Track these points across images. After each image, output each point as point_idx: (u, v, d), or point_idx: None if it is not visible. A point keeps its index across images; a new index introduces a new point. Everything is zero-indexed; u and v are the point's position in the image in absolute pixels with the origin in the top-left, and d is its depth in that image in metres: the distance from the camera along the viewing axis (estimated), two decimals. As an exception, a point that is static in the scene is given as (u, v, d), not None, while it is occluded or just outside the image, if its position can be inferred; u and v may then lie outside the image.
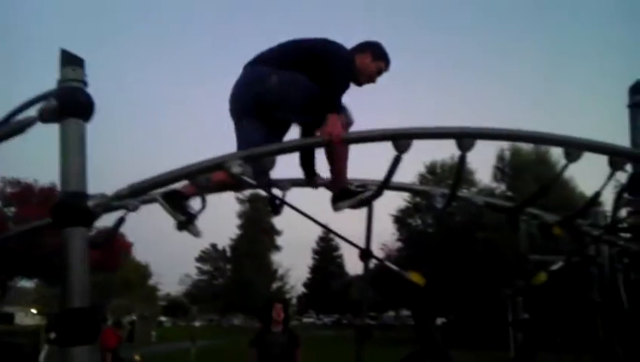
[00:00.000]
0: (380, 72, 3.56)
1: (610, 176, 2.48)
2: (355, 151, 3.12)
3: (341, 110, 3.08)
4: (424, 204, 35.53)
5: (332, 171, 3.30)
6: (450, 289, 30.42)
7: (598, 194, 2.73)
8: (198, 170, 2.56)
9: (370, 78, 3.56)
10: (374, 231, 3.46)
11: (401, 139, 2.39)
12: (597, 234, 4.00)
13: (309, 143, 3.08)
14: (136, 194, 2.76)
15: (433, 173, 36.56)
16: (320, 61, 3.31)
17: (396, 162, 2.48)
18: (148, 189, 2.79)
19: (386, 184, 2.65)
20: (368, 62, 3.50)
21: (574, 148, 2.37)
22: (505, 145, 37.95)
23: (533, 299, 2.65)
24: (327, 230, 2.80)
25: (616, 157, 2.44)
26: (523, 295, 4.17)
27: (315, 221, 2.78)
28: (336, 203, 3.28)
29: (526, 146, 35.84)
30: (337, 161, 3.22)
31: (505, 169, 37.10)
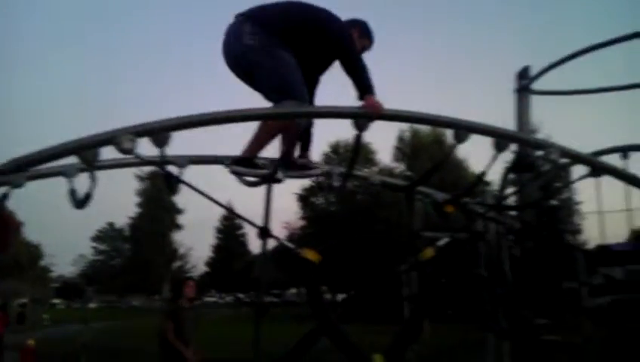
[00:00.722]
0: (363, 50, 3.54)
1: (495, 158, 2.62)
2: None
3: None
4: (327, 183, 36.11)
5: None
6: (349, 266, 31.27)
7: (482, 174, 2.90)
8: (88, 145, 2.44)
9: None
10: (278, 209, 3.48)
11: (302, 118, 2.40)
12: (481, 212, 4.23)
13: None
14: (21, 169, 2.59)
15: (336, 152, 37.15)
16: (321, 35, 3.27)
17: (293, 140, 2.49)
18: (33, 164, 2.63)
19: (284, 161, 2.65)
20: (355, 38, 3.48)
21: (462, 130, 2.49)
22: (405, 126, 39.22)
23: (426, 274, 2.78)
24: (224, 208, 2.77)
25: (500, 139, 2.59)
26: (416, 270, 4.34)
27: (212, 199, 2.75)
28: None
29: (424, 128, 37.22)
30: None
31: (404, 149, 38.39)
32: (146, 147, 2.47)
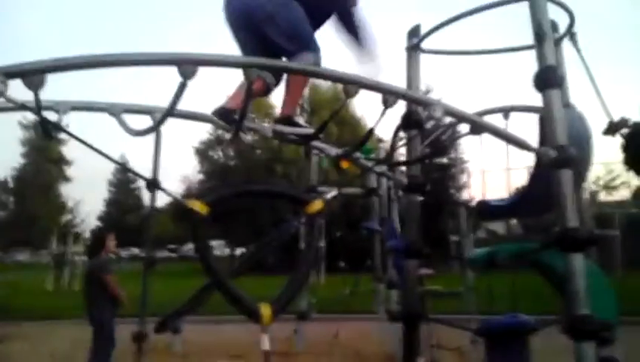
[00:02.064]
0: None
1: (383, 113, 2.68)
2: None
3: None
4: (226, 136, 35.64)
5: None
6: (246, 219, 31.35)
7: (371, 131, 2.97)
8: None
9: None
10: (175, 163, 3.39)
11: (187, 65, 2.31)
12: (369, 166, 4.34)
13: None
14: None
15: (236, 106, 36.65)
16: None
17: (181, 89, 2.40)
18: None
19: (170, 112, 2.56)
20: None
21: (354, 85, 2.52)
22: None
23: (313, 226, 2.84)
24: (108, 158, 2.65)
25: (388, 95, 2.64)
26: (306, 223, 4.41)
27: (95, 149, 2.62)
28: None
29: (324, 84, 37.44)
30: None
31: (304, 105, 38.50)
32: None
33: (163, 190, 3.08)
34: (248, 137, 34.48)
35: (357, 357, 8.04)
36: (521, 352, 3.74)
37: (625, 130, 4.64)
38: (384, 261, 8.90)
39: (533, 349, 3.81)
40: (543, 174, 3.26)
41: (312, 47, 3.22)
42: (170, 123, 3.36)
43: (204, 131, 38.35)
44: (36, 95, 2.24)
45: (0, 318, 12.52)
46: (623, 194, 32.88)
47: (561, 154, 2.88)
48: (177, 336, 7.97)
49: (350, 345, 8.79)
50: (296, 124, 3.48)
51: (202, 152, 39.19)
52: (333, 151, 4.11)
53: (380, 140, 8.79)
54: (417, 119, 3.63)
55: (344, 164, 5.46)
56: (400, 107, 4.09)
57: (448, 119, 5.34)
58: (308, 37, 3.26)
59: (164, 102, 3.35)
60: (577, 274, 2.73)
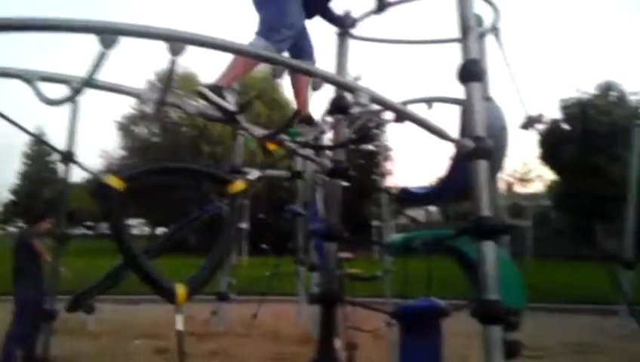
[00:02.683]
0: None
1: (310, 97, 2.68)
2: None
3: None
4: (150, 112, 34.60)
5: None
6: (168, 198, 30.70)
7: (297, 112, 2.96)
8: None
9: None
10: (97, 138, 3.25)
11: (107, 34, 2.21)
12: (295, 149, 4.35)
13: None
14: None
15: (163, 81, 35.61)
16: None
17: (100, 58, 2.29)
18: None
19: (88, 82, 2.45)
20: None
21: (279, 65, 2.50)
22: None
23: (234, 206, 2.80)
24: (21, 129, 2.51)
25: (316, 79, 2.65)
26: (232, 204, 4.37)
27: (5, 117, 2.46)
28: None
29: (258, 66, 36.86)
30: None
31: (234, 84, 37.91)
32: None
33: (78, 164, 2.95)
34: (173, 114, 33.71)
35: (274, 338, 8.09)
36: (433, 334, 3.87)
37: (540, 126, 4.86)
38: (306, 244, 8.97)
39: (446, 332, 3.96)
40: (462, 164, 3.37)
41: (270, 36, 3.24)
42: (92, 95, 3.23)
43: (127, 105, 37.06)
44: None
45: None
46: (537, 187, 34.68)
47: (478, 146, 2.98)
48: (90, 315, 7.75)
49: (269, 326, 8.83)
50: (224, 98, 3.43)
51: (124, 127, 37.84)
52: (259, 131, 4.08)
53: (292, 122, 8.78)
54: (344, 104, 3.65)
55: (270, 146, 5.43)
56: (329, 92, 4.13)
57: (375, 107, 5.44)
58: (272, 26, 3.31)
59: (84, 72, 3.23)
60: (488, 261, 2.85)
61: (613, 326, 8.04)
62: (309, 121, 3.79)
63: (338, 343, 3.77)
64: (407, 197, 4.77)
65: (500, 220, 3.53)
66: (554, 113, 29.82)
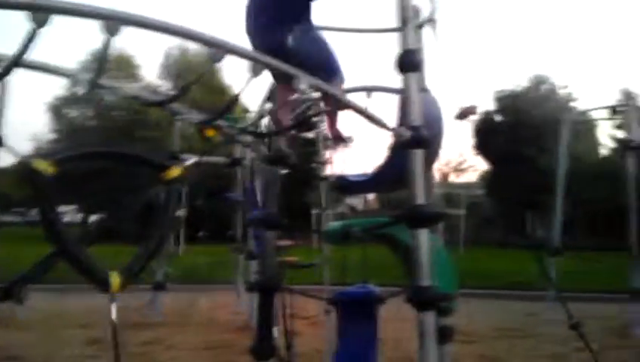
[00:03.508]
0: None
1: (248, 81, 2.65)
2: None
3: None
4: (84, 94, 33.41)
5: None
6: (100, 186, 29.82)
7: (237, 97, 2.92)
8: None
9: None
10: (25, 120, 3.09)
11: (38, 12, 2.11)
12: (233, 135, 4.30)
13: None
14: None
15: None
16: None
17: (31, 37, 2.18)
18: None
19: (16, 62, 2.33)
20: None
21: (217, 49, 2.45)
22: (174, 43, 37.81)
23: (169, 193, 2.74)
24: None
25: (255, 63, 2.62)
26: (167, 191, 4.28)
27: None
28: None
29: (193, 47, 36.29)
30: None
31: (171, 68, 37.12)
32: None
33: (6, 147, 2.82)
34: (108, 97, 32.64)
35: (211, 327, 8.03)
36: (369, 320, 3.94)
37: (474, 117, 4.99)
38: (245, 232, 8.92)
39: (382, 317, 4.03)
40: (398, 153, 3.42)
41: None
42: (22, 76, 3.08)
43: (58, 87, 35.63)
44: None
45: None
46: (471, 176, 35.78)
47: (414, 135, 3.02)
48: (21, 305, 7.45)
49: (206, 314, 8.76)
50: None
51: (56, 109, 36.34)
52: (196, 117, 4.00)
53: (245, 110, 8.72)
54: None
55: (208, 132, 5.35)
56: (269, 78, 4.10)
57: (316, 94, 5.45)
58: None
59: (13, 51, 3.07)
60: (422, 248, 2.91)
61: (541, 311, 8.41)
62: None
63: (276, 331, 3.77)
64: (344, 186, 4.80)
65: (435, 208, 3.61)
66: (488, 105, 30.86)
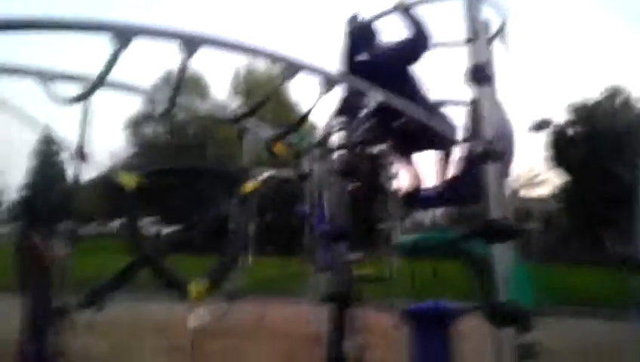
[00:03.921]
0: None
1: (320, 96, 2.69)
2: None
3: None
4: (162, 113, 34.75)
5: None
6: (177, 199, 30.77)
7: (308, 113, 2.96)
8: None
9: None
10: (103, 138, 3.28)
11: (121, 34, 2.24)
12: (303, 150, 4.36)
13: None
14: None
15: (169, 82, 35.68)
16: None
17: (114, 58, 2.32)
18: None
19: (101, 82, 2.47)
20: None
21: (289, 66, 2.51)
22: (242, 62, 38.74)
23: (245, 207, 2.82)
24: (36, 127, 2.53)
25: (326, 79, 2.66)
26: (239, 203, 4.39)
27: (24, 115, 2.49)
28: None
29: (261, 65, 37.07)
30: None
31: (240, 86, 38.09)
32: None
33: (90, 161, 2.98)
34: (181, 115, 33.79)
35: (283, 339, 8.11)
36: (443, 337, 3.88)
37: (549, 129, 4.85)
38: (314, 245, 8.97)
39: (456, 334, 3.96)
40: (470, 167, 3.37)
41: None
42: (100, 95, 3.26)
43: (134, 106, 37.34)
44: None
45: None
46: (544, 191, 34.59)
47: (488, 149, 2.98)
48: (102, 313, 7.79)
49: (277, 326, 8.86)
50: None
51: (132, 127, 38.02)
52: (267, 132, 4.10)
53: (314, 126, 8.83)
54: (354, 105, 3.66)
55: (277, 147, 5.45)
56: (337, 93, 4.14)
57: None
58: None
59: (94, 71, 3.26)
60: (499, 263, 2.86)
61: (623, 330, 8.01)
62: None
63: (348, 344, 3.77)
64: (414, 200, 4.76)
65: (510, 223, 3.53)
66: (562, 117, 29.87)
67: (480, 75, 3.15)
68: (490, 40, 4.33)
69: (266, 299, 9.97)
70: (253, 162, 9.26)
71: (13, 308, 6.34)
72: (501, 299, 2.80)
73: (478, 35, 3.19)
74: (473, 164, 3.09)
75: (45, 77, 3.13)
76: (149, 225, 37.25)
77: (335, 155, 4.78)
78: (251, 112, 3.36)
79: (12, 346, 6.21)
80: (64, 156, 57.01)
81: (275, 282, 10.17)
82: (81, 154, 3.16)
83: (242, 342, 7.65)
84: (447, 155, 3.98)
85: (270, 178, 5.42)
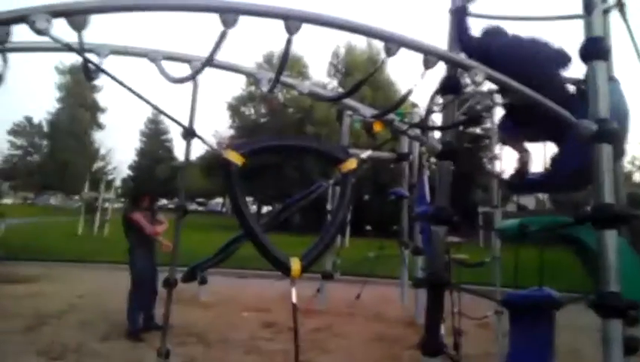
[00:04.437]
0: None
1: (423, 75, 2.62)
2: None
3: None
4: (258, 93, 35.64)
5: None
6: (276, 178, 31.51)
7: (409, 92, 2.90)
8: (-1, 22, 2.23)
9: None
10: (206, 118, 3.40)
11: (228, 13, 2.29)
12: (403, 129, 4.29)
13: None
14: None
15: (270, 62, 36.47)
16: None
17: (222, 37, 2.38)
18: None
19: (210, 60, 2.55)
20: None
21: (392, 43, 2.46)
22: (341, 42, 38.73)
23: (346, 185, 2.81)
24: (149, 104, 2.66)
25: (429, 56, 2.58)
26: (339, 182, 4.40)
27: (136, 93, 2.62)
28: None
29: (360, 45, 36.88)
30: None
31: (339, 66, 38.17)
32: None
33: (200, 138, 3.09)
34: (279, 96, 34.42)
35: (377, 319, 8.13)
36: (545, 326, 3.71)
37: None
38: (411, 227, 8.90)
39: (558, 324, 3.78)
40: (579, 149, 3.18)
41: None
42: (204, 76, 3.37)
43: (237, 87, 38.54)
44: (80, 35, 2.25)
45: (32, 259, 12.99)
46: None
47: (602, 128, 2.80)
48: (203, 287, 8.17)
49: (371, 307, 8.89)
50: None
51: (234, 108, 39.30)
52: (368, 111, 4.07)
53: (413, 105, 8.66)
54: (456, 84, 3.55)
55: (377, 126, 5.40)
56: (436, 72, 4.03)
57: (486, 88, 5.25)
58: None
59: (199, 52, 3.37)
60: (609, 251, 2.69)
61: None
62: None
63: (444, 329, 3.71)
64: (518, 184, 4.56)
65: (623, 208, 3.30)
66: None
67: (595, 49, 2.95)
68: (606, 12, 4.05)
69: (361, 280, 10.02)
70: (351, 142, 9.32)
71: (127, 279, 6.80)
72: (611, 289, 2.64)
73: (594, 7, 2.98)
74: (582, 145, 2.90)
75: (157, 57, 3.29)
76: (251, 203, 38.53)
77: (436, 136, 4.67)
78: (351, 92, 3.34)
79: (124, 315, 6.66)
80: (170, 136, 60.10)
81: (371, 263, 10.16)
82: (192, 131, 3.29)
83: (336, 322, 7.75)
84: (560, 136, 3.74)
85: (369, 158, 5.41)
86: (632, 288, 2.97)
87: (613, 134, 2.86)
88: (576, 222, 3.18)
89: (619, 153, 3.86)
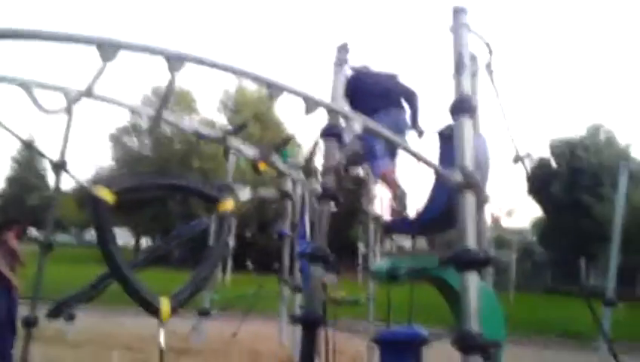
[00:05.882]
0: None
1: (305, 119, 2.74)
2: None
3: None
4: (141, 125, 34.66)
5: None
6: (154, 210, 30.45)
7: (289, 137, 3.00)
8: None
9: None
10: (87, 148, 3.29)
11: (108, 47, 2.27)
12: (286, 171, 4.39)
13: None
14: None
15: (158, 95, 35.61)
16: None
17: (101, 71, 2.35)
18: None
19: (89, 93, 2.50)
20: None
21: (275, 88, 2.56)
22: (231, 80, 38.86)
23: (222, 225, 2.82)
24: (16, 137, 2.54)
25: (308, 102, 2.70)
26: (220, 221, 4.40)
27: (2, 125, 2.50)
28: None
29: (250, 87, 37.20)
30: None
31: (228, 103, 38.16)
32: None
33: (69, 173, 2.98)
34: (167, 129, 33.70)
35: (254, 357, 8.03)
36: (413, 360, 3.90)
37: (528, 163, 4.91)
38: (292, 264, 8.96)
39: (426, 359, 3.98)
40: (442, 193, 3.42)
41: None
42: (85, 107, 3.28)
43: (119, 118, 37.33)
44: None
45: None
46: (522, 222, 34.97)
47: (466, 178, 3.03)
48: (70, 324, 7.67)
49: (249, 344, 8.77)
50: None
51: (116, 138, 37.82)
52: (251, 152, 4.13)
53: (298, 145, 8.87)
54: (337, 131, 3.71)
55: (262, 165, 5.50)
56: (322, 116, 4.19)
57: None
58: None
59: (78, 83, 3.27)
60: (470, 292, 2.89)
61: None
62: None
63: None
64: (393, 226, 4.81)
65: (484, 252, 3.57)
66: (543, 152, 30.38)
67: (463, 105, 3.22)
68: (474, 73, 4.43)
69: (240, 317, 9.89)
70: (236, 179, 9.31)
71: None
72: (470, 327, 2.83)
73: (464, 68, 3.27)
74: (448, 191, 3.13)
75: (30, 85, 3.15)
76: (124, 236, 36.88)
77: (318, 176, 4.82)
78: (238, 130, 3.41)
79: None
80: (44, 164, 56.31)
81: (250, 300, 10.09)
82: (62, 165, 3.16)
83: (211, 360, 7.57)
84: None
85: (252, 197, 5.46)
86: (491, 327, 3.21)
87: (477, 184, 3.12)
88: (440, 264, 3.39)
89: (482, 200, 4.19)
